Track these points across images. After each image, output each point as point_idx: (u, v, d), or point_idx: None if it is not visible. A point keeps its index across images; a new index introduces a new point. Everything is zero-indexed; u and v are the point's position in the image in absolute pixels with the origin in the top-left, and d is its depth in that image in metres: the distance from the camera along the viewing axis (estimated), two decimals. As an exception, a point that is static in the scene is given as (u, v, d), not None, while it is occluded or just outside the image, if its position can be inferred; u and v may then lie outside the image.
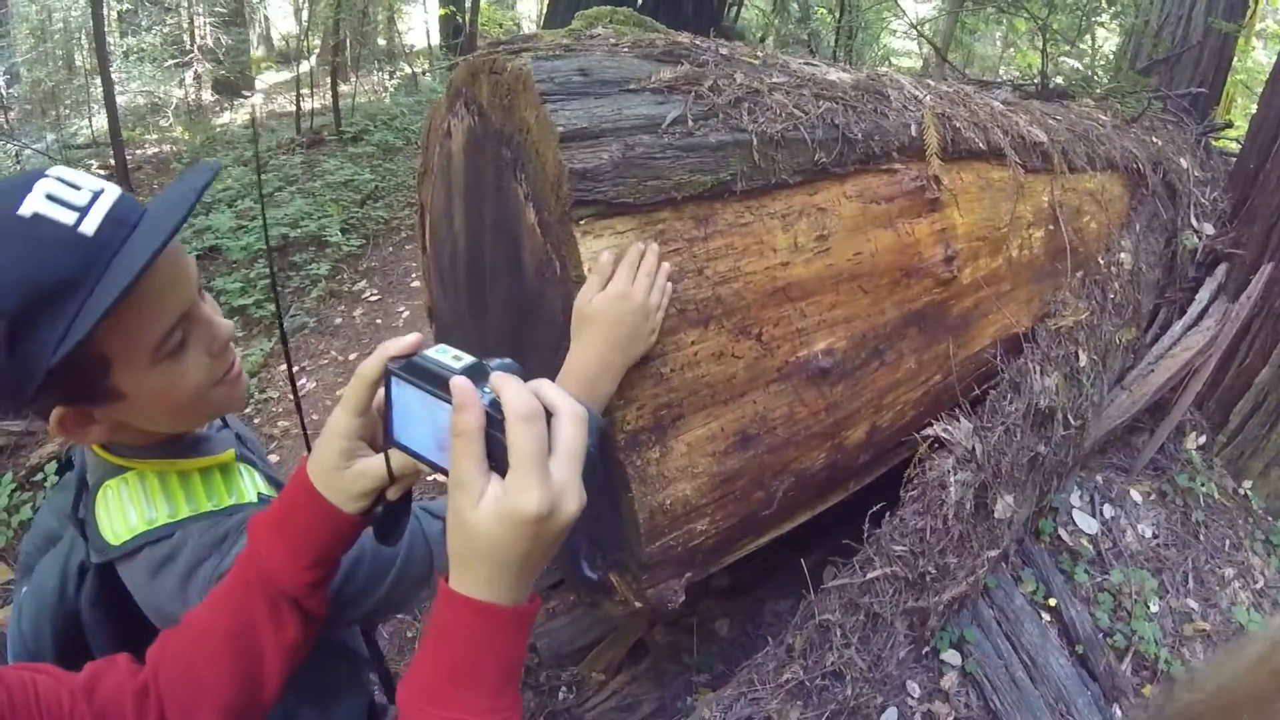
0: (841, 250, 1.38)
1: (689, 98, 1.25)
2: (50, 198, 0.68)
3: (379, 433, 0.68)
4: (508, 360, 0.58)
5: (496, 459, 0.54)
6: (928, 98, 1.67)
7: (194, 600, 0.75)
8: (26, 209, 0.67)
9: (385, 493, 0.70)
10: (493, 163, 1.30)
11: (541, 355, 1.28)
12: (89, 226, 0.68)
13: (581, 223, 1.10)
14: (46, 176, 0.69)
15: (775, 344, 1.29)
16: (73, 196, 0.69)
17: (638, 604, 1.31)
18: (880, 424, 1.54)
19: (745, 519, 1.36)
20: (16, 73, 9.25)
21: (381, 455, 0.67)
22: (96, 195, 0.70)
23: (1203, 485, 2.39)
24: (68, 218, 0.67)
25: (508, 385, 0.54)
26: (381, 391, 0.63)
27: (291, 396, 2.00)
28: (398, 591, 0.87)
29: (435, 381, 0.57)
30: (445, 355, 0.59)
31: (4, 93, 8.53)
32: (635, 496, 1.18)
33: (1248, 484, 2.49)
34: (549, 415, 0.55)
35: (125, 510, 0.79)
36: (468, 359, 0.58)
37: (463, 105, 1.41)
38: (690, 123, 1.21)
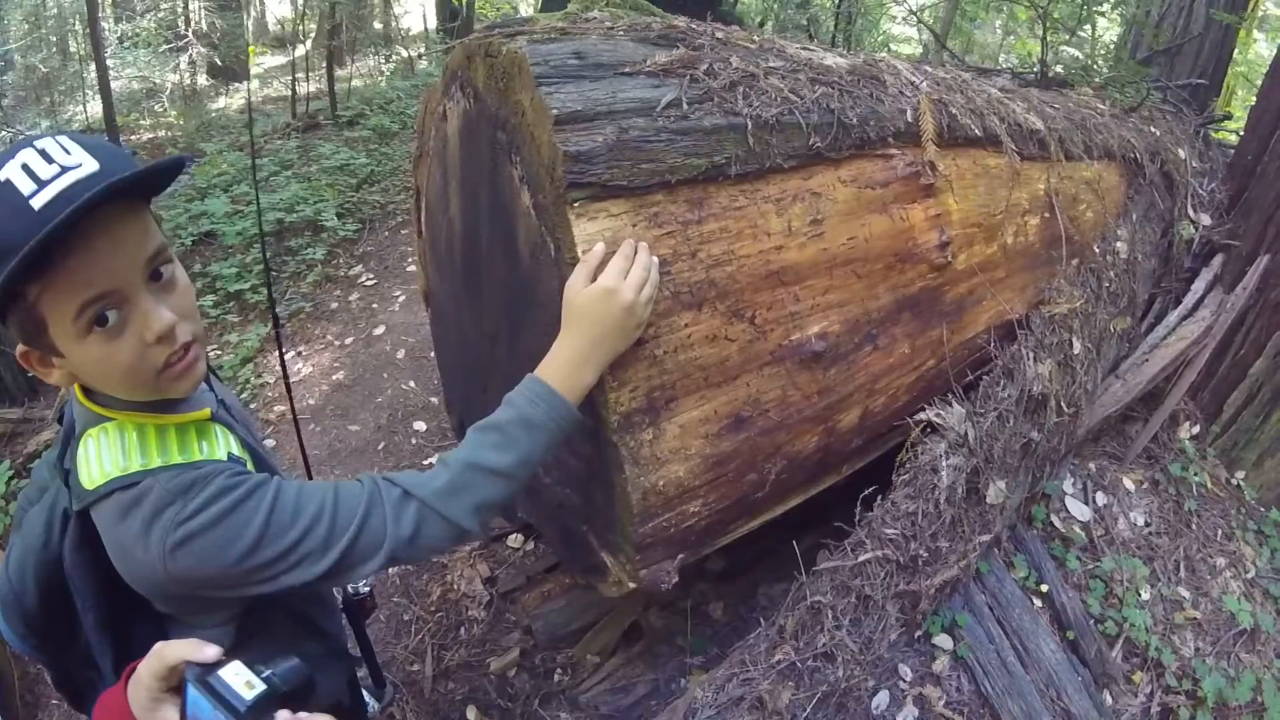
0: (835, 235, 1.38)
1: (684, 81, 1.25)
2: (24, 167, 0.73)
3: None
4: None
5: None
6: (924, 83, 1.66)
7: (155, 543, 0.78)
8: (3, 174, 0.73)
9: None
10: (488, 146, 1.30)
11: (536, 337, 1.28)
12: (39, 200, 0.71)
13: (576, 205, 1.10)
14: (31, 147, 0.74)
15: (768, 327, 1.30)
16: (42, 169, 0.73)
17: (631, 585, 1.32)
18: (873, 408, 1.54)
19: (738, 501, 1.37)
20: (10, 59, 9.21)
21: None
22: (63, 171, 0.73)
23: (1195, 475, 2.39)
24: (27, 188, 0.72)
25: None
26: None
27: (284, 381, 2.01)
28: (352, 555, 0.89)
29: (228, 708, 0.67)
30: (239, 681, 0.68)
31: (-2, 79, 8.49)
32: (628, 477, 1.18)
33: (1240, 474, 2.49)
34: None
35: (102, 458, 0.83)
36: (259, 687, 0.68)
37: (458, 89, 1.41)
38: (685, 106, 1.21)
